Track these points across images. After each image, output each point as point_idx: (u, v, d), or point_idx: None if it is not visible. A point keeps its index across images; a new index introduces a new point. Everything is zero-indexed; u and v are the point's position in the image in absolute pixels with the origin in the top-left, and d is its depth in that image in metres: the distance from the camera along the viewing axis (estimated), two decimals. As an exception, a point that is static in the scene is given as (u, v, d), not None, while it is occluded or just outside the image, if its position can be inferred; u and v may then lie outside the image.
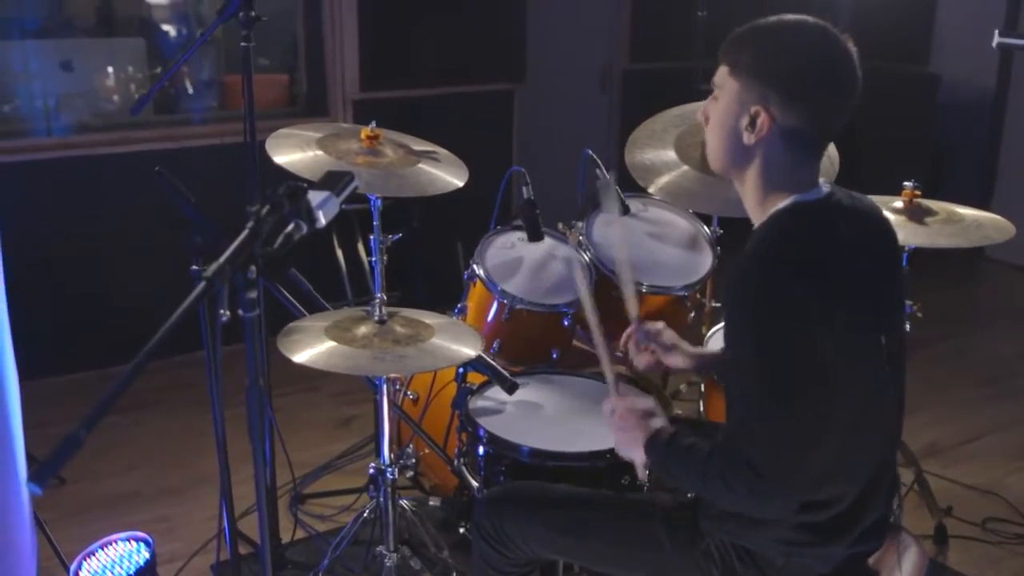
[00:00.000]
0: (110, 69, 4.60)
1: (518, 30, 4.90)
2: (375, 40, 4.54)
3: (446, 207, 2.95)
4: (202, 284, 1.46)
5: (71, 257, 4.05)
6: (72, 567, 2.61)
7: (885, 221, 1.78)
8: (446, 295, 4.49)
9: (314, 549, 2.92)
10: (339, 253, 4.35)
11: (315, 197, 1.68)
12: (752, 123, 1.62)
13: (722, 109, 1.67)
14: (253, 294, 1.57)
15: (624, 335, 2.14)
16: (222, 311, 1.89)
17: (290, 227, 1.63)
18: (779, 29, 1.65)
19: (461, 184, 2.36)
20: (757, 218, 1.70)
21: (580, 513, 1.89)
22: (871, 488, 1.72)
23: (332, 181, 1.77)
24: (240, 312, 1.57)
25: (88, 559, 2.63)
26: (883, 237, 1.76)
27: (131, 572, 2.59)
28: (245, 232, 1.54)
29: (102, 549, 2.67)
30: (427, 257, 4.07)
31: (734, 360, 1.63)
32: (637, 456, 1.78)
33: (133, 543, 2.67)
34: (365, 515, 2.56)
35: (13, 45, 4.35)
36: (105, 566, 2.62)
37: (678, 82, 5.45)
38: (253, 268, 1.55)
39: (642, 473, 1.85)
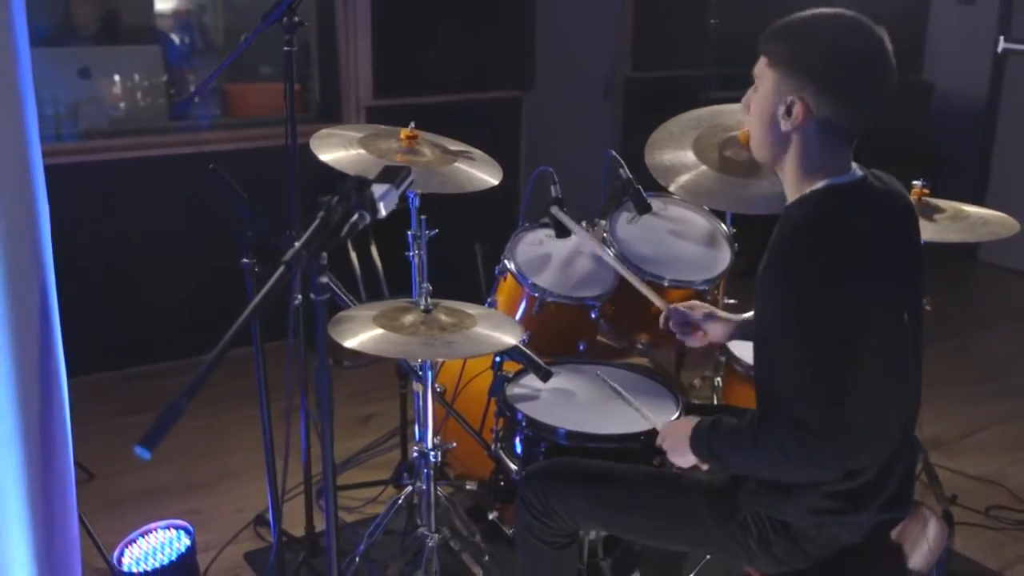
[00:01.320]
0: (135, 76, 4.69)
1: (527, 39, 5.03)
2: (388, 48, 4.65)
3: (461, 208, 3.05)
4: (281, 268, 1.55)
5: (87, 261, 4.13)
6: (115, 555, 2.70)
7: (911, 206, 1.90)
8: (465, 295, 4.61)
9: (345, 538, 3.01)
10: (353, 256, 4.45)
11: (378, 190, 1.79)
12: (788, 111, 1.73)
13: (761, 98, 1.78)
14: (324, 279, 1.67)
15: (662, 319, 2.25)
16: (295, 295, 1.99)
17: (355, 217, 1.73)
18: (815, 22, 1.75)
19: (496, 182, 2.47)
20: (793, 195, 1.81)
21: (622, 488, 2.00)
22: (894, 457, 1.84)
23: (391, 175, 1.88)
24: (312, 296, 1.67)
25: (130, 547, 2.72)
26: (908, 221, 1.88)
27: (173, 558, 2.68)
28: (317, 220, 1.65)
29: (143, 537, 2.76)
30: (445, 258, 4.15)
31: (774, 332, 1.74)
32: (688, 459, 1.90)
33: (173, 531, 2.77)
34: (400, 502, 2.65)
35: (33, 53, 4.43)
36: (147, 553, 2.71)
37: (681, 90, 5.57)
38: (325, 254, 1.65)
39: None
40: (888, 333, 1.76)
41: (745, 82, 1.89)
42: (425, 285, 2.19)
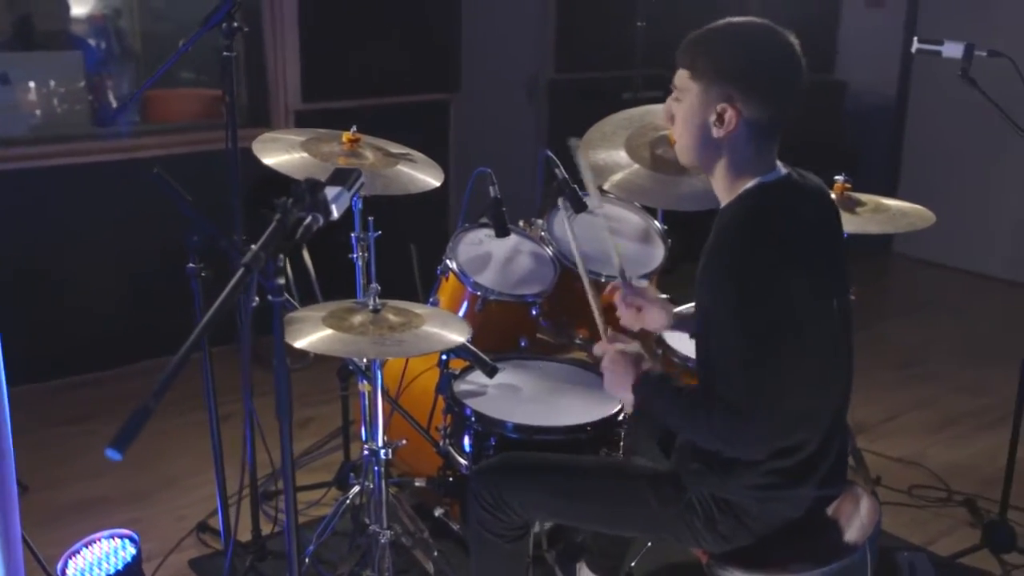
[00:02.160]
0: (54, 83, 4.61)
1: (453, 42, 5.07)
2: (315, 52, 4.65)
3: (392, 209, 3.09)
4: (240, 271, 1.58)
5: (17, 269, 4.06)
6: (59, 566, 2.67)
7: (830, 197, 2.02)
8: (401, 295, 4.64)
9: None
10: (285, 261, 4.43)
11: (330, 192, 1.82)
12: (720, 119, 1.82)
13: (687, 109, 1.87)
14: (282, 280, 1.70)
15: (609, 287, 2.33)
16: (252, 297, 2.01)
17: (308, 219, 1.77)
18: (731, 30, 1.85)
19: (438, 183, 2.52)
20: (726, 199, 1.91)
21: (572, 477, 2.06)
22: (829, 436, 1.95)
23: (342, 177, 1.91)
24: (269, 298, 1.70)
25: (73, 558, 2.69)
26: (831, 211, 1.99)
27: (119, 568, 2.66)
28: (274, 223, 1.68)
29: (86, 547, 2.73)
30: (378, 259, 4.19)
31: (714, 322, 1.83)
32: (626, 396, 1.97)
33: (118, 540, 2.74)
34: (348, 501, 2.68)
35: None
36: (91, 563, 2.68)
37: (605, 91, 5.69)
38: (282, 256, 1.68)
39: (628, 409, 2.01)
40: (821, 320, 1.86)
41: (666, 83, 1.96)
42: (373, 285, 2.22)
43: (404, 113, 4.97)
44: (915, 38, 2.75)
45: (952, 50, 2.68)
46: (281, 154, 2.39)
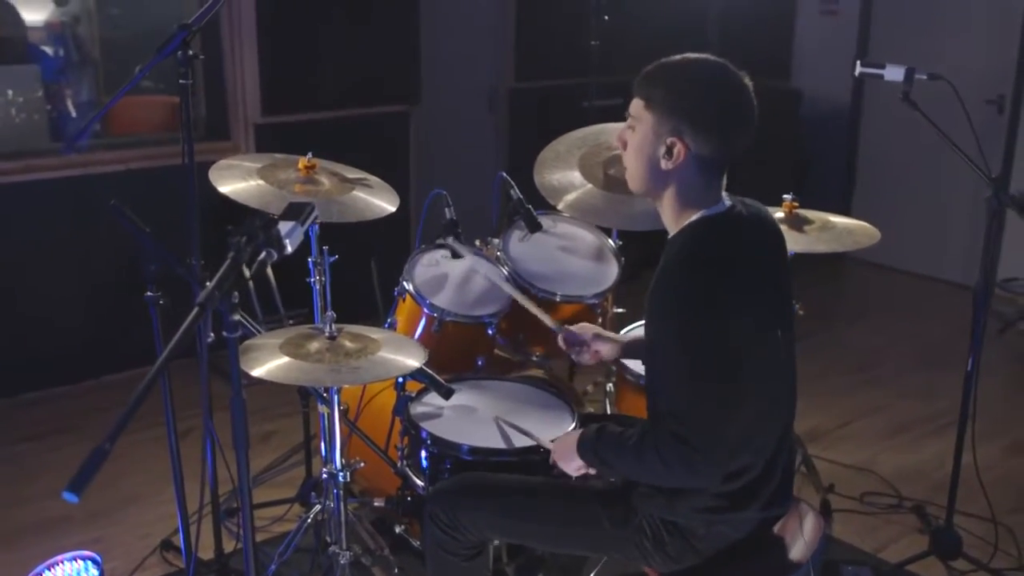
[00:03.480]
0: (8, 94, 4.59)
1: (412, 54, 5.11)
2: (274, 65, 4.67)
3: (356, 224, 3.12)
4: (196, 309, 1.61)
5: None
6: (21, 588, 2.68)
7: (776, 226, 2.08)
8: (362, 310, 4.68)
9: (254, 559, 3.05)
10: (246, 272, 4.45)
11: (284, 227, 1.86)
12: (669, 152, 1.88)
13: (640, 138, 1.93)
14: (236, 317, 1.74)
15: (560, 340, 2.39)
16: (208, 333, 2.05)
17: (263, 255, 1.81)
18: (686, 67, 1.92)
19: (393, 209, 2.55)
20: (673, 229, 1.96)
21: (524, 498, 2.12)
22: (773, 460, 2.01)
23: (296, 212, 1.95)
24: (224, 333, 1.74)
25: (36, 579, 2.71)
26: (776, 241, 2.05)
27: (81, 590, 2.69)
28: (228, 261, 1.71)
29: (48, 570, 2.74)
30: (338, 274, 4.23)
31: (660, 352, 1.89)
32: (575, 464, 2.05)
33: (80, 562, 2.76)
34: (309, 520, 2.71)
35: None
36: (54, 586, 2.70)
37: (565, 100, 5.74)
38: (236, 293, 1.72)
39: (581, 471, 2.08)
40: (765, 350, 1.93)
41: (625, 89, 2.01)
42: (329, 313, 2.26)
43: (365, 125, 5.00)
44: (858, 62, 2.83)
45: (894, 73, 2.75)
46: (238, 182, 2.42)
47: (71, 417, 4.08)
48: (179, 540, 3.03)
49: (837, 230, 2.90)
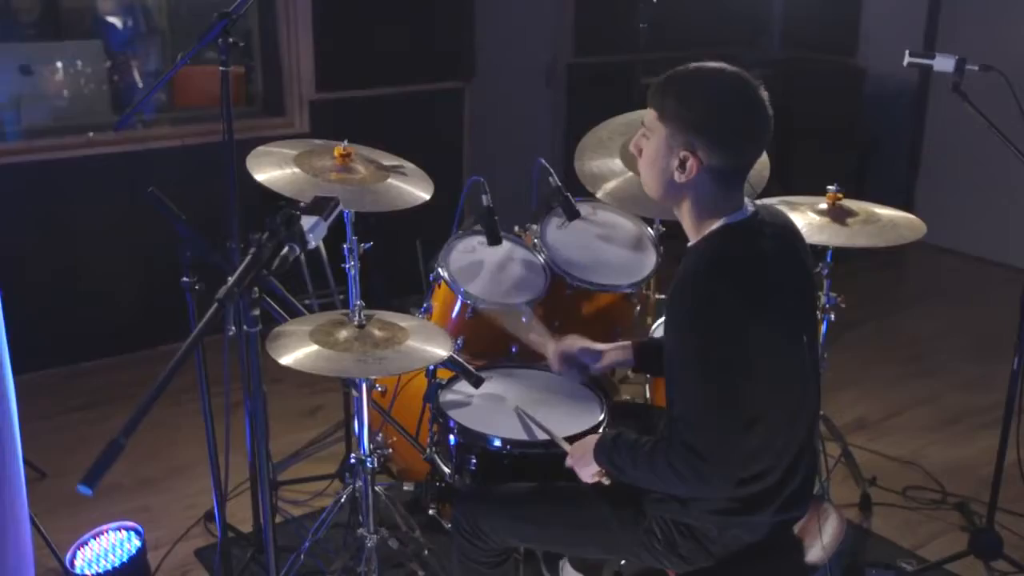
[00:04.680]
0: (73, 69, 4.70)
1: (467, 29, 5.10)
2: (329, 42, 4.70)
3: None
4: (214, 305, 1.65)
5: (32, 257, 4.18)
6: (67, 557, 2.79)
7: (798, 233, 2.04)
8: (405, 288, 4.73)
9: (292, 533, 3.13)
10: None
11: (307, 222, 1.89)
12: (682, 165, 1.85)
13: (653, 149, 1.90)
14: (256, 312, 1.77)
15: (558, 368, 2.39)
16: (229, 327, 2.09)
17: (285, 250, 1.84)
18: (700, 78, 1.87)
19: (427, 197, 2.57)
20: (693, 238, 1.94)
21: (537, 504, 2.16)
22: (794, 463, 1.98)
23: (320, 206, 1.98)
24: (245, 327, 1.78)
25: (82, 549, 2.82)
26: (799, 247, 2.02)
27: (124, 560, 2.79)
28: (248, 257, 1.74)
29: (94, 539, 2.86)
30: (385, 253, 4.28)
31: (678, 360, 1.88)
32: (591, 469, 2.05)
33: (124, 532, 2.87)
34: (342, 500, 2.77)
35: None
36: (98, 555, 2.81)
37: (622, 75, 5.69)
38: (256, 289, 1.75)
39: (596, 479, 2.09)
40: (787, 356, 1.90)
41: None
42: (359, 302, 2.29)
43: (419, 102, 5.02)
44: (907, 52, 2.75)
45: (944, 64, 2.68)
46: (274, 169, 2.45)
47: (126, 386, 4.20)
48: (224, 509, 3.14)
49: (881, 223, 2.84)
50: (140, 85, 5.09)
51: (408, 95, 4.96)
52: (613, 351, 2.34)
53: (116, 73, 5.00)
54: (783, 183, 5.50)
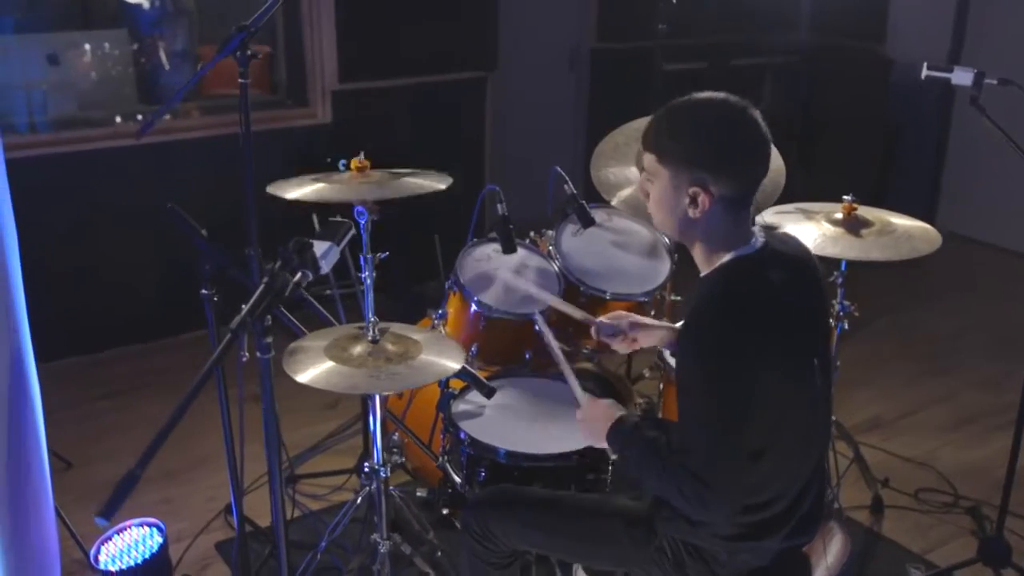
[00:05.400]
0: (100, 56, 4.74)
1: (490, 20, 5.10)
2: (352, 33, 4.72)
3: (423, 202, 3.18)
4: (228, 336, 1.70)
5: (56, 246, 4.24)
6: (92, 552, 2.87)
7: (810, 258, 2.05)
8: (425, 274, 4.78)
9: (310, 527, 3.19)
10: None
11: (319, 248, 1.93)
12: (693, 202, 1.86)
13: (660, 192, 1.91)
14: (269, 339, 1.82)
15: (592, 331, 2.41)
16: (243, 353, 2.14)
17: (298, 276, 1.88)
18: (687, 110, 1.88)
19: (444, 186, 2.61)
20: (705, 270, 1.96)
21: (551, 514, 2.18)
22: (804, 490, 2.01)
23: (332, 231, 2.02)
24: (258, 354, 1.82)
25: (105, 544, 2.89)
26: (810, 273, 2.02)
27: (146, 556, 2.85)
28: (262, 286, 1.79)
29: (118, 534, 2.93)
30: (407, 239, 4.31)
31: (685, 388, 1.91)
32: (598, 441, 2.07)
33: (146, 528, 2.93)
34: (358, 502, 2.82)
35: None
36: (122, 550, 2.88)
37: (644, 61, 5.67)
38: (269, 317, 1.80)
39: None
40: (798, 388, 1.93)
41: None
42: (373, 319, 2.33)
43: (441, 92, 5.04)
44: (924, 64, 2.74)
45: (962, 78, 2.66)
46: (301, 187, 2.53)
47: (147, 375, 4.29)
48: (241, 506, 3.21)
49: (896, 235, 2.84)
50: (167, 67, 5.13)
51: (430, 85, 4.98)
52: (660, 330, 2.37)
53: (143, 55, 5.05)
54: (808, 171, 5.51)
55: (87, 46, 4.83)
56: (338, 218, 2.00)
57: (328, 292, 4.37)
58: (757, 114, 1.87)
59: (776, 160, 2.97)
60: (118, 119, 4.57)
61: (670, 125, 1.88)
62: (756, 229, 1.96)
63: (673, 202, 1.89)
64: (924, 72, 2.73)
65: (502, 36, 5.18)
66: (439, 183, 2.65)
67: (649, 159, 1.91)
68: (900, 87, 5.94)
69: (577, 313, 2.54)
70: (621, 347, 2.43)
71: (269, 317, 1.80)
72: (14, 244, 2.47)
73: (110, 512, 1.50)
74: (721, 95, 1.88)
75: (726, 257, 1.91)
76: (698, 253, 1.96)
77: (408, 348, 2.32)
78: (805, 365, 1.95)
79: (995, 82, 2.64)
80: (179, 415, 1.62)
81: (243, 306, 1.77)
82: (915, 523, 3.36)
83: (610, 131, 3.17)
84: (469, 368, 2.49)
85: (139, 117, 4.67)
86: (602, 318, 2.44)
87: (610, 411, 2.08)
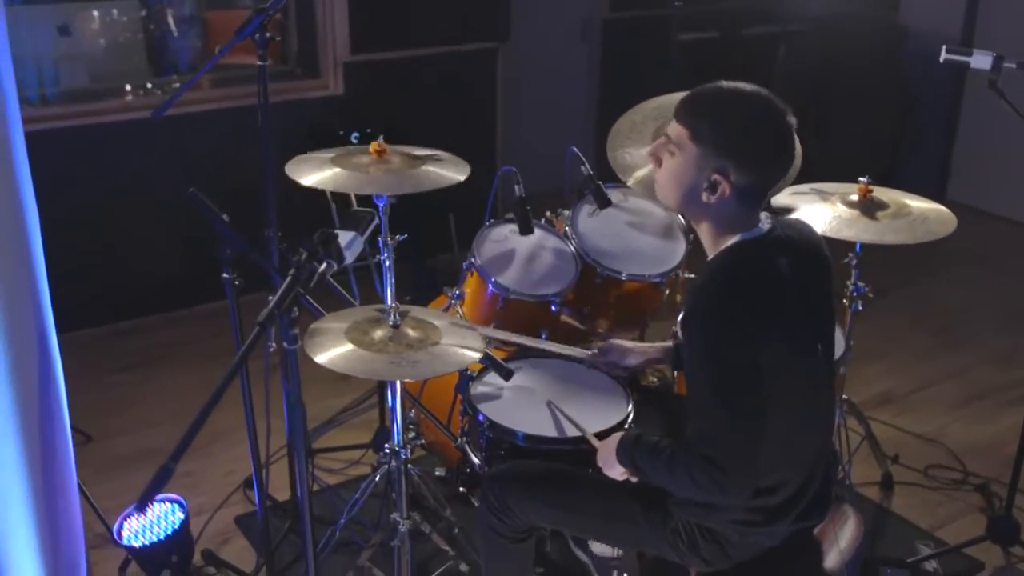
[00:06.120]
0: (109, 25, 4.73)
1: (502, -10, 5.07)
2: (364, 3, 4.69)
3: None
4: (256, 329, 1.72)
5: (72, 218, 4.22)
6: (115, 528, 2.92)
7: (818, 244, 2.07)
8: (439, 248, 4.81)
9: (327, 502, 3.24)
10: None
11: (344, 238, 1.95)
12: (712, 188, 1.89)
13: (680, 167, 1.93)
14: (295, 330, 1.84)
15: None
16: (270, 343, 2.17)
17: (323, 267, 1.90)
18: (734, 102, 1.91)
19: (463, 178, 2.61)
20: (710, 252, 2.00)
21: (569, 491, 2.23)
22: (812, 471, 2.06)
23: (355, 220, 2.04)
24: (285, 345, 1.85)
25: (128, 520, 2.94)
26: (816, 258, 2.05)
27: (168, 532, 2.90)
28: (288, 279, 1.81)
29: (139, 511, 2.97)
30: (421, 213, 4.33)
31: (693, 374, 1.94)
32: (616, 470, 2.13)
33: (168, 504, 2.98)
34: (376, 480, 2.87)
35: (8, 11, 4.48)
36: (144, 526, 2.92)
37: (657, 31, 5.65)
38: (296, 309, 1.82)
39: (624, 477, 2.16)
40: (802, 369, 1.97)
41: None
42: (394, 303, 2.35)
43: (453, 63, 5.01)
44: (943, 47, 2.73)
45: (980, 61, 2.66)
46: (316, 172, 2.51)
47: (163, 347, 4.32)
48: (263, 482, 3.25)
49: (911, 217, 2.85)
50: (175, 33, 5.12)
51: (442, 56, 4.95)
52: (654, 352, 2.46)
53: (151, 22, 5.04)
54: (820, 140, 5.48)
55: (96, 14, 4.82)
56: (352, 199, 2.01)
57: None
58: (793, 121, 1.90)
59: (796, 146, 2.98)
60: (128, 87, 4.56)
61: (714, 109, 1.91)
62: (764, 215, 1.98)
63: (691, 181, 1.92)
64: (943, 55, 2.73)
65: (514, 6, 5.14)
66: (458, 174, 2.65)
67: (679, 132, 1.92)
68: (914, 57, 5.90)
69: (568, 351, 2.61)
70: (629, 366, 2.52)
71: (296, 309, 1.83)
72: (36, 222, 2.49)
73: (144, 505, 1.54)
74: (765, 92, 1.90)
75: (731, 240, 1.94)
76: (704, 233, 2.00)
77: (428, 334, 2.34)
78: (808, 350, 1.99)
79: (1014, 66, 2.63)
80: (210, 407, 1.66)
81: (270, 298, 1.79)
82: (924, 500, 3.40)
83: (623, 103, 3.16)
84: (487, 351, 2.52)
85: (148, 85, 4.68)
86: (592, 353, 2.54)
87: (614, 439, 2.15)
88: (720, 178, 1.88)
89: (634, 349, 2.49)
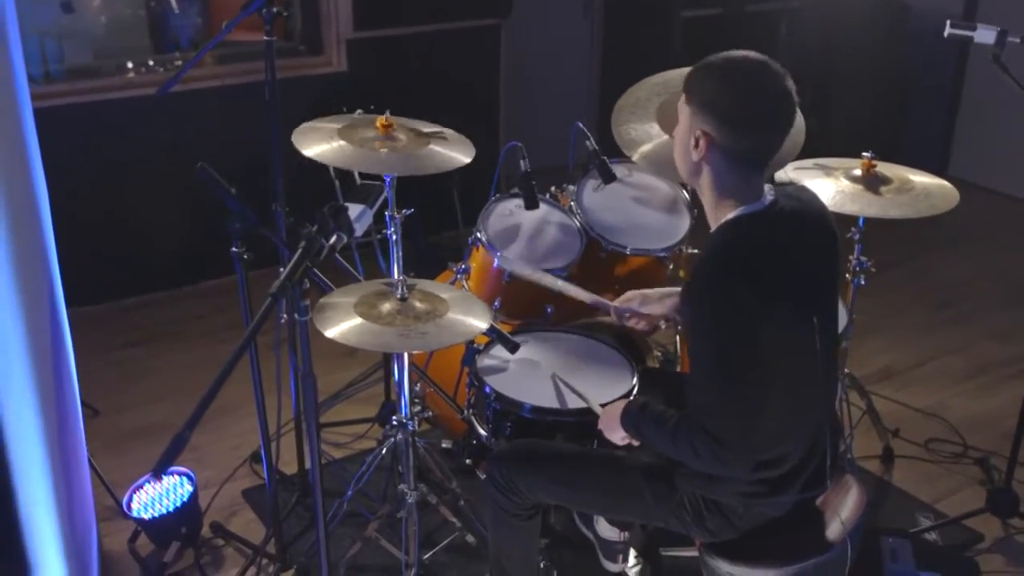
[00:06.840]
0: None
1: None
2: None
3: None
4: (268, 300, 1.74)
5: (78, 195, 4.23)
6: (124, 500, 2.95)
7: (823, 216, 2.09)
8: (441, 225, 4.82)
9: (334, 475, 3.27)
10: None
11: (353, 211, 1.97)
12: (697, 144, 1.94)
13: (680, 128, 2.01)
14: (307, 302, 1.87)
15: (612, 318, 2.49)
16: (281, 314, 2.19)
17: (333, 239, 1.93)
18: (725, 65, 1.94)
19: (468, 160, 2.62)
20: (712, 223, 2.02)
21: (575, 468, 2.26)
22: (815, 444, 2.08)
23: (364, 193, 2.06)
24: (296, 316, 1.87)
25: (137, 492, 2.98)
26: (821, 232, 2.07)
27: (177, 504, 2.94)
28: (299, 251, 1.83)
29: (149, 483, 3.01)
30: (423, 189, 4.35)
31: (693, 348, 1.98)
32: (619, 434, 2.16)
33: (176, 477, 3.01)
34: (383, 453, 2.89)
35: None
36: (153, 499, 2.96)
37: (659, 7, 5.64)
38: (306, 281, 1.84)
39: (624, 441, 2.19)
40: (801, 344, 1.99)
41: None
42: (402, 277, 2.37)
43: (455, 39, 5.01)
44: (948, 22, 2.74)
45: (985, 36, 2.66)
46: (321, 144, 2.51)
47: (170, 323, 4.34)
48: (271, 456, 3.27)
49: (915, 192, 2.87)
50: (176, 10, 5.11)
51: (445, 33, 4.95)
52: (671, 298, 2.43)
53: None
54: (822, 117, 5.48)
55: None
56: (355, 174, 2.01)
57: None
58: (789, 85, 1.91)
59: (798, 120, 2.98)
60: (130, 64, 4.56)
61: (705, 72, 1.95)
62: (767, 187, 2.00)
63: (685, 140, 1.98)
64: (947, 30, 2.74)
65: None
66: (464, 155, 2.66)
67: (682, 97, 1.99)
68: (917, 34, 5.90)
69: (587, 296, 2.59)
70: (640, 327, 2.50)
71: (307, 281, 1.85)
72: (44, 195, 2.51)
73: (161, 471, 1.56)
74: (763, 58, 1.93)
75: (733, 213, 1.96)
76: (705, 198, 2.03)
77: (436, 306, 2.37)
78: (807, 324, 2.01)
79: (1018, 40, 2.64)
80: (224, 376, 1.68)
81: (281, 270, 1.81)
82: (924, 473, 3.43)
83: (626, 79, 3.17)
84: (494, 324, 2.54)
85: (151, 63, 4.67)
86: (615, 303, 2.49)
87: (619, 404, 2.18)
88: (701, 132, 1.93)
89: (651, 295, 2.46)
